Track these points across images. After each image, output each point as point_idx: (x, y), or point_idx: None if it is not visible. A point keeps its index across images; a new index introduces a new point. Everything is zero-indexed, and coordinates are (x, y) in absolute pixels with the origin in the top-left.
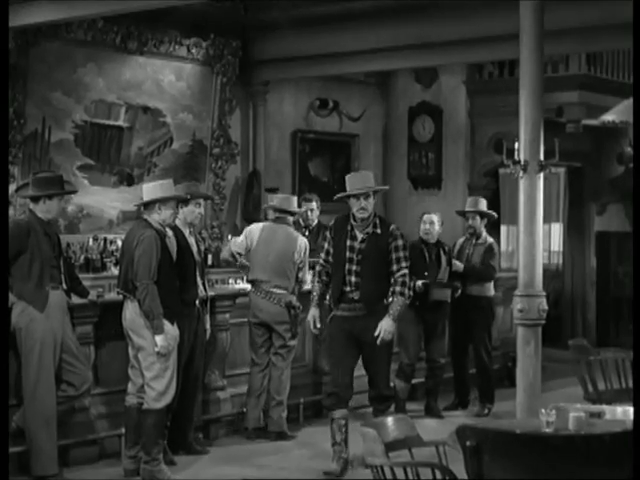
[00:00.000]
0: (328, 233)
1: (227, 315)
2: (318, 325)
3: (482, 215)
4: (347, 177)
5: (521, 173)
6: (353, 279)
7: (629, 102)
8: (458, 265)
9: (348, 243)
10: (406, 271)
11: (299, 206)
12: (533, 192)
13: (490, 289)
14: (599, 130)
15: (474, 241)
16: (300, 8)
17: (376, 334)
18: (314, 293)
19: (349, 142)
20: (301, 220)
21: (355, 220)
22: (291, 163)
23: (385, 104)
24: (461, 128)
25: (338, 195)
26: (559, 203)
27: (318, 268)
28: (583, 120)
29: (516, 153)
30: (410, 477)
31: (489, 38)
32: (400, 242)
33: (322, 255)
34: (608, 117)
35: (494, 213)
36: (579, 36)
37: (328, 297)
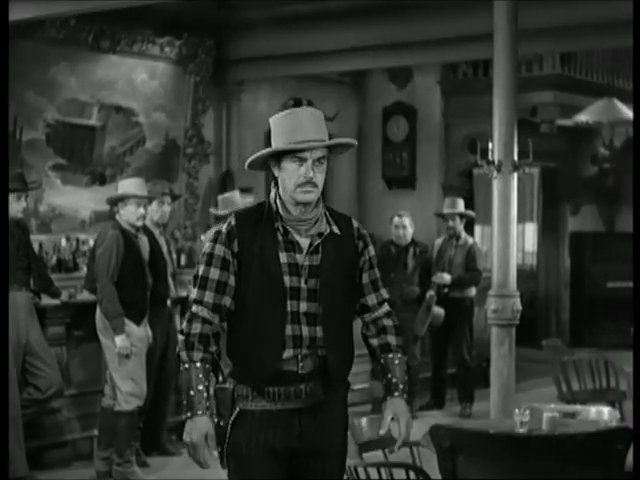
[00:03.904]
0: (214, 246)
1: None
2: (217, 450)
3: (461, 216)
4: (276, 118)
5: (495, 173)
6: (303, 331)
7: (603, 102)
8: (445, 278)
9: (283, 259)
10: (389, 307)
11: None
12: (507, 192)
13: (473, 290)
14: (573, 130)
15: (455, 242)
16: (275, 7)
17: (395, 435)
18: (195, 386)
19: None
20: None
21: (288, 211)
22: None
23: (359, 104)
24: (435, 128)
25: (256, 155)
26: (533, 203)
27: (196, 328)
28: (557, 120)
29: (490, 153)
30: (384, 478)
31: (463, 38)
32: (373, 251)
33: (203, 294)
34: (582, 117)
35: (473, 213)
36: (553, 36)
37: (229, 384)
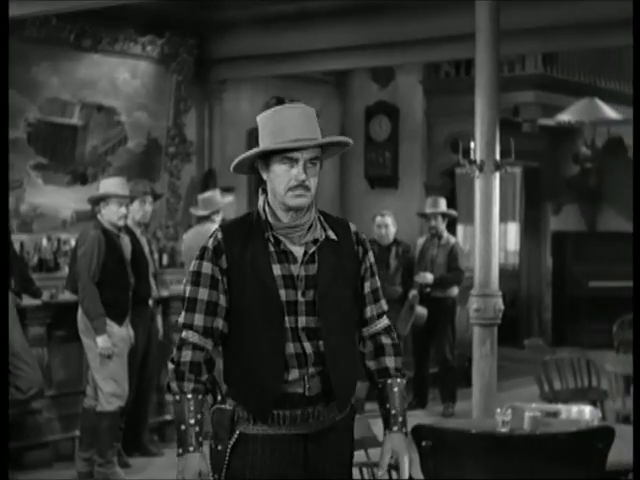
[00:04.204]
0: (201, 263)
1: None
2: (213, 477)
3: (443, 215)
4: (264, 116)
5: (477, 173)
6: (306, 348)
7: (585, 102)
8: (428, 278)
9: (277, 271)
10: (388, 320)
11: (255, 206)
12: (489, 192)
13: (455, 289)
14: (555, 130)
15: (437, 242)
16: (257, 7)
17: (400, 468)
18: (187, 420)
19: None
20: None
21: (278, 218)
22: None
23: (342, 103)
24: (418, 127)
25: (243, 157)
26: (515, 203)
27: (186, 356)
28: (539, 120)
29: (472, 153)
30: (366, 477)
31: (445, 38)
32: (373, 258)
33: (193, 318)
34: (564, 117)
35: (455, 213)
36: (535, 36)
37: (228, 405)
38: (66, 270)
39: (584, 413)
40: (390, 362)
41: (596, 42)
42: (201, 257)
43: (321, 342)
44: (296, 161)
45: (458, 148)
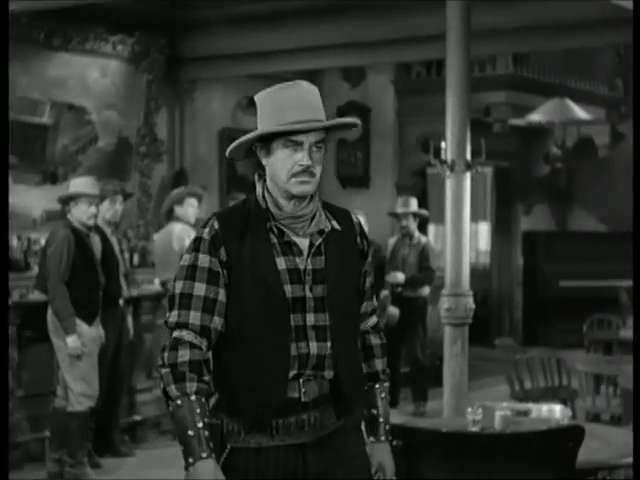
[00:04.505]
0: (196, 256)
1: (152, 316)
2: None
3: (414, 215)
4: (264, 95)
5: (448, 173)
6: (312, 349)
7: (555, 102)
8: (399, 277)
9: (281, 264)
10: (376, 317)
11: (226, 205)
12: (460, 192)
13: (426, 289)
14: (526, 130)
15: (408, 241)
16: (229, 6)
17: None
18: (194, 424)
19: None
20: None
21: (279, 207)
22: (218, 162)
23: None
24: (389, 127)
25: (241, 140)
26: (486, 203)
27: (183, 355)
28: (510, 120)
29: (443, 153)
30: None
31: (416, 38)
32: (371, 250)
33: (188, 315)
34: (534, 117)
35: (426, 212)
36: (506, 36)
37: (217, 419)
38: (36, 270)
39: (554, 412)
40: (379, 365)
41: (566, 43)
42: (196, 249)
43: (328, 343)
44: (300, 145)
45: (429, 148)
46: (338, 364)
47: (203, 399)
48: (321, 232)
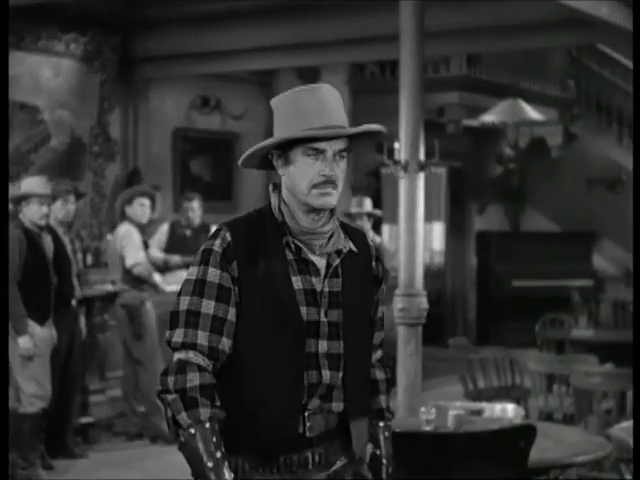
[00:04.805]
0: (206, 270)
1: (106, 316)
2: None
3: (368, 215)
4: (283, 98)
5: (401, 173)
6: (324, 378)
7: (508, 103)
8: None
9: (297, 284)
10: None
11: (180, 205)
12: (413, 192)
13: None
14: (479, 131)
15: None
16: (183, 5)
17: None
18: (212, 454)
19: (232, 141)
20: (182, 220)
21: (297, 221)
22: (172, 162)
23: (268, 102)
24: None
25: (258, 147)
26: (440, 203)
27: (193, 380)
28: (463, 121)
29: (396, 153)
30: None
31: (371, 38)
32: (386, 277)
33: (195, 335)
34: (487, 118)
35: (380, 212)
36: (460, 37)
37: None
38: None
39: (507, 411)
40: (384, 401)
41: (519, 44)
42: (205, 262)
43: (340, 373)
44: (323, 153)
45: (383, 148)
46: (348, 397)
47: (216, 426)
48: (339, 252)
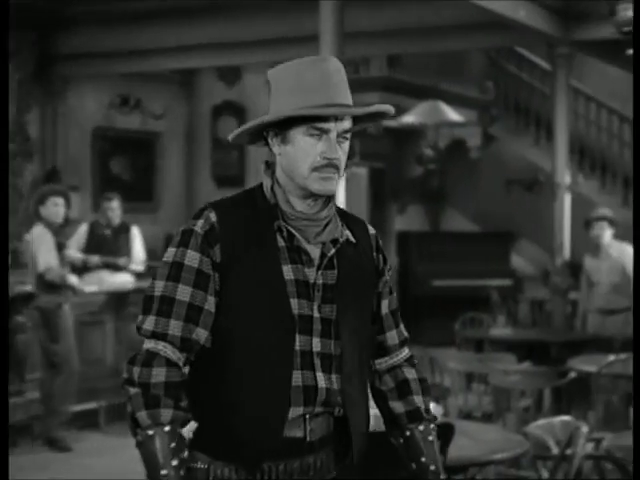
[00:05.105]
0: (184, 252)
1: (21, 318)
2: None
3: None
4: (283, 70)
5: None
6: (319, 381)
7: (428, 104)
8: None
9: (288, 274)
10: (408, 350)
11: (99, 205)
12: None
13: None
14: (399, 132)
15: None
16: (102, 3)
17: None
18: (168, 461)
19: (152, 140)
20: (102, 220)
21: (292, 206)
22: (91, 161)
23: (189, 102)
24: None
25: (253, 123)
26: (361, 203)
27: (158, 375)
28: (384, 122)
29: None
30: None
31: (291, 38)
32: (389, 266)
33: (167, 324)
34: (408, 119)
35: None
36: (380, 38)
37: (201, 463)
38: None
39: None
40: (420, 402)
41: (439, 45)
42: (184, 243)
43: (335, 375)
44: (327, 133)
45: None
46: (346, 402)
47: (178, 430)
48: (335, 242)
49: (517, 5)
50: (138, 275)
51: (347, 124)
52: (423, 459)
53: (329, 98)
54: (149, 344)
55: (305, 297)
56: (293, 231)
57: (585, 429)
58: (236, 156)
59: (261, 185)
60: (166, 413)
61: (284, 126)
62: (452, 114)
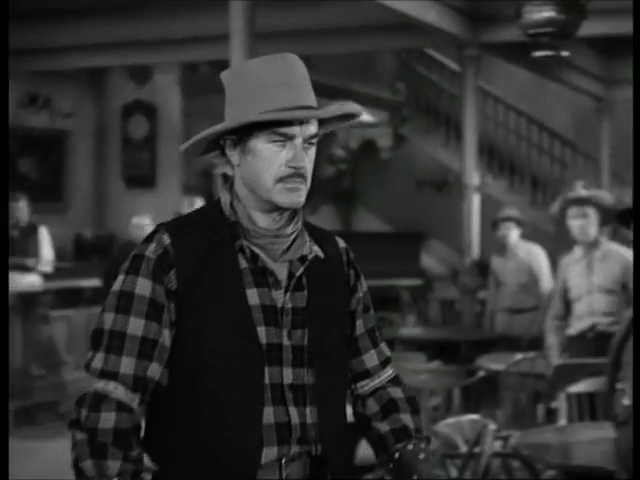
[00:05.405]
0: (134, 280)
1: None
2: None
3: None
4: (238, 71)
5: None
6: (292, 416)
7: (338, 104)
8: None
9: (253, 299)
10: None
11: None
12: None
13: None
14: None
15: None
16: (11, 1)
17: None
18: None
19: (61, 139)
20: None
21: (253, 222)
22: None
23: (99, 101)
24: (176, 127)
25: (208, 132)
26: None
27: (107, 420)
28: None
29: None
30: None
31: (202, 38)
32: (365, 285)
33: (118, 362)
34: None
35: None
36: (290, 38)
37: None
38: None
39: None
40: (408, 420)
41: (349, 46)
42: (135, 270)
43: (310, 408)
44: (291, 139)
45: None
46: (324, 437)
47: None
48: (302, 259)
49: (426, 7)
50: (46, 276)
51: (313, 128)
52: (415, 478)
53: (293, 100)
54: (98, 384)
55: (273, 324)
56: (257, 250)
57: (493, 427)
58: (147, 156)
59: (219, 201)
60: (113, 465)
61: (243, 133)
62: (363, 115)
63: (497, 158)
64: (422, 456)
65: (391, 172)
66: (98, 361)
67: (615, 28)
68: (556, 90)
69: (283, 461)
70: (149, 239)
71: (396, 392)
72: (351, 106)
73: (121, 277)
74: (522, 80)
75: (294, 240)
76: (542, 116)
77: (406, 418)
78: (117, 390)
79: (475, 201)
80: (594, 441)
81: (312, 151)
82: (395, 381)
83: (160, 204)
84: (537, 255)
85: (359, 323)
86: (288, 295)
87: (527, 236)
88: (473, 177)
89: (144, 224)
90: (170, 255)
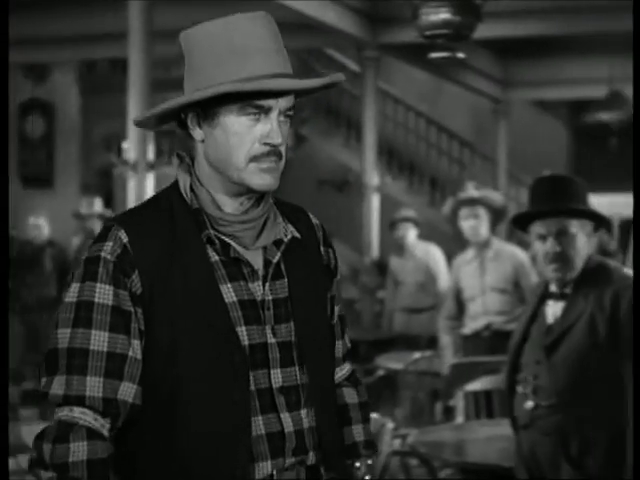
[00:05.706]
0: (93, 287)
1: None
2: None
3: (99, 216)
4: (199, 32)
5: (130, 173)
6: (285, 424)
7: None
8: None
9: (229, 295)
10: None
11: None
12: (142, 192)
13: None
14: None
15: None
16: None
17: None
18: None
19: None
20: None
21: (219, 207)
22: None
23: None
24: (74, 126)
25: (172, 103)
26: None
27: (77, 452)
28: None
29: (125, 152)
30: None
31: (101, 36)
32: (337, 264)
33: (83, 383)
34: None
35: (111, 213)
36: None
37: None
38: None
39: None
40: (359, 434)
41: (299, 42)
42: (91, 276)
43: (303, 411)
44: (267, 112)
45: (113, 148)
46: (323, 442)
47: None
48: (278, 243)
49: (325, 7)
50: None
51: (291, 100)
52: None
53: (270, 67)
54: (61, 412)
55: (254, 321)
56: (227, 240)
57: (391, 426)
58: (44, 156)
59: (176, 185)
60: None
61: (211, 105)
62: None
63: (397, 158)
64: (367, 478)
65: (292, 172)
66: (58, 386)
67: (511, 30)
68: (454, 91)
69: (274, 471)
70: (102, 237)
71: (351, 395)
72: (337, 75)
73: (75, 286)
74: (421, 81)
75: (265, 222)
76: (441, 117)
77: (357, 431)
78: (85, 416)
79: (375, 201)
80: (491, 438)
81: (286, 127)
82: (352, 379)
83: (58, 204)
84: (434, 255)
85: (337, 309)
86: (267, 286)
87: (425, 236)
88: (373, 177)
89: (41, 224)
90: (130, 254)
